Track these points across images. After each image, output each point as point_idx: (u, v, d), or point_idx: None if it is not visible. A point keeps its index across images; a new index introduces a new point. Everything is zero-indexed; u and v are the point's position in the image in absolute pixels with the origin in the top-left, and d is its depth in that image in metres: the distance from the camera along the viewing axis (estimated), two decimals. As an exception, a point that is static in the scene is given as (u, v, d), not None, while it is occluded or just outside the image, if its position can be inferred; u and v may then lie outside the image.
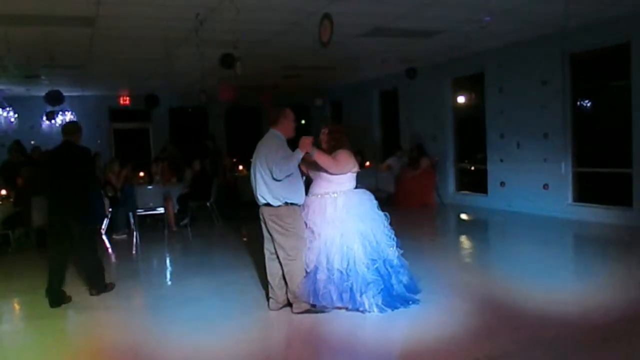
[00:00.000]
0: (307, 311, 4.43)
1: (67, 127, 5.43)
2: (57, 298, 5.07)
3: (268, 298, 4.70)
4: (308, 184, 4.75)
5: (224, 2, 5.89)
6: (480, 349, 3.69)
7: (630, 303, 4.50)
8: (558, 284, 5.11)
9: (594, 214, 8.23)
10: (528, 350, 3.65)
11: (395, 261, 4.59)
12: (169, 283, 6.10)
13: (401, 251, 4.69)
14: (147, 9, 6.14)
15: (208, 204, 9.38)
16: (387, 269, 4.49)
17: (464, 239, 8.34)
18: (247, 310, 4.71)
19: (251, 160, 4.61)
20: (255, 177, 4.48)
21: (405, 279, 4.64)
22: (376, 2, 6.27)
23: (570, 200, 8.70)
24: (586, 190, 8.64)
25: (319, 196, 4.61)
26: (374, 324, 4.19)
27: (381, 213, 4.67)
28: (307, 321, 4.32)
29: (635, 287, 4.94)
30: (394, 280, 4.50)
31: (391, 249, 4.57)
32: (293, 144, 4.45)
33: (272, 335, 4.39)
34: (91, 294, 5.32)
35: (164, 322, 4.55)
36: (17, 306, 5.49)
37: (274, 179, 4.33)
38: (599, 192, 8.46)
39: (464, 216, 9.98)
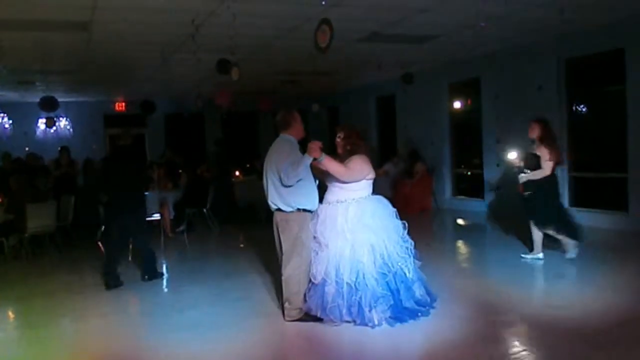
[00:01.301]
0: (299, 320, 4.38)
1: (119, 134, 6.44)
2: (117, 280, 5.87)
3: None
4: (323, 189, 4.56)
5: (220, 8, 5.89)
6: (481, 354, 3.68)
7: (627, 308, 4.50)
8: (555, 289, 5.10)
9: (590, 219, 8.20)
10: (528, 354, 3.64)
11: (410, 274, 4.33)
12: (165, 290, 6.06)
13: (420, 263, 4.47)
14: (142, 14, 6.12)
15: (205, 210, 9.33)
16: (397, 284, 4.25)
17: (460, 243, 8.33)
18: (246, 317, 4.67)
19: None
20: (267, 184, 4.42)
21: (419, 293, 4.38)
22: (373, 7, 6.28)
23: (566, 205, 8.69)
24: (582, 195, 8.64)
25: (330, 204, 4.43)
26: (376, 330, 4.14)
27: (398, 222, 4.43)
28: (305, 328, 4.28)
29: (632, 292, 4.93)
30: (403, 296, 4.25)
31: (406, 261, 4.32)
32: (301, 148, 4.39)
33: (273, 342, 4.33)
34: (143, 279, 6.06)
35: (160, 330, 4.51)
36: (11, 314, 5.44)
37: (284, 185, 4.27)
38: (595, 197, 8.48)
39: (460, 221, 9.97)
